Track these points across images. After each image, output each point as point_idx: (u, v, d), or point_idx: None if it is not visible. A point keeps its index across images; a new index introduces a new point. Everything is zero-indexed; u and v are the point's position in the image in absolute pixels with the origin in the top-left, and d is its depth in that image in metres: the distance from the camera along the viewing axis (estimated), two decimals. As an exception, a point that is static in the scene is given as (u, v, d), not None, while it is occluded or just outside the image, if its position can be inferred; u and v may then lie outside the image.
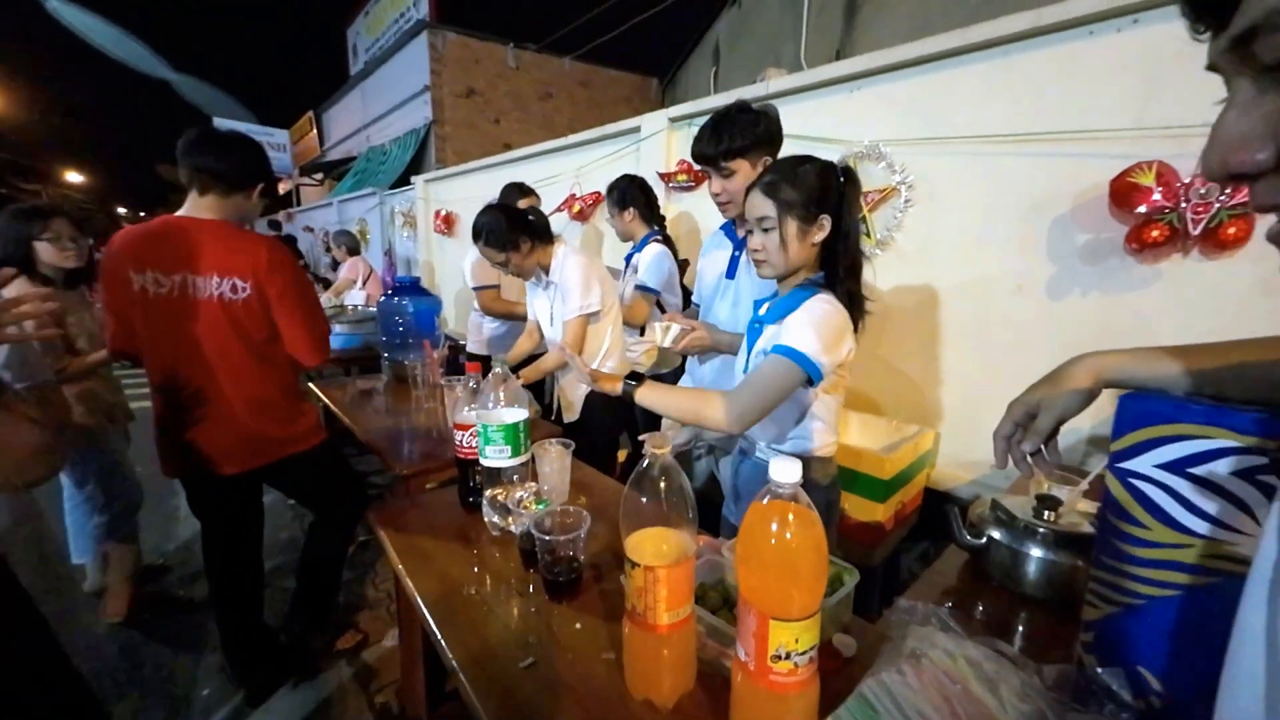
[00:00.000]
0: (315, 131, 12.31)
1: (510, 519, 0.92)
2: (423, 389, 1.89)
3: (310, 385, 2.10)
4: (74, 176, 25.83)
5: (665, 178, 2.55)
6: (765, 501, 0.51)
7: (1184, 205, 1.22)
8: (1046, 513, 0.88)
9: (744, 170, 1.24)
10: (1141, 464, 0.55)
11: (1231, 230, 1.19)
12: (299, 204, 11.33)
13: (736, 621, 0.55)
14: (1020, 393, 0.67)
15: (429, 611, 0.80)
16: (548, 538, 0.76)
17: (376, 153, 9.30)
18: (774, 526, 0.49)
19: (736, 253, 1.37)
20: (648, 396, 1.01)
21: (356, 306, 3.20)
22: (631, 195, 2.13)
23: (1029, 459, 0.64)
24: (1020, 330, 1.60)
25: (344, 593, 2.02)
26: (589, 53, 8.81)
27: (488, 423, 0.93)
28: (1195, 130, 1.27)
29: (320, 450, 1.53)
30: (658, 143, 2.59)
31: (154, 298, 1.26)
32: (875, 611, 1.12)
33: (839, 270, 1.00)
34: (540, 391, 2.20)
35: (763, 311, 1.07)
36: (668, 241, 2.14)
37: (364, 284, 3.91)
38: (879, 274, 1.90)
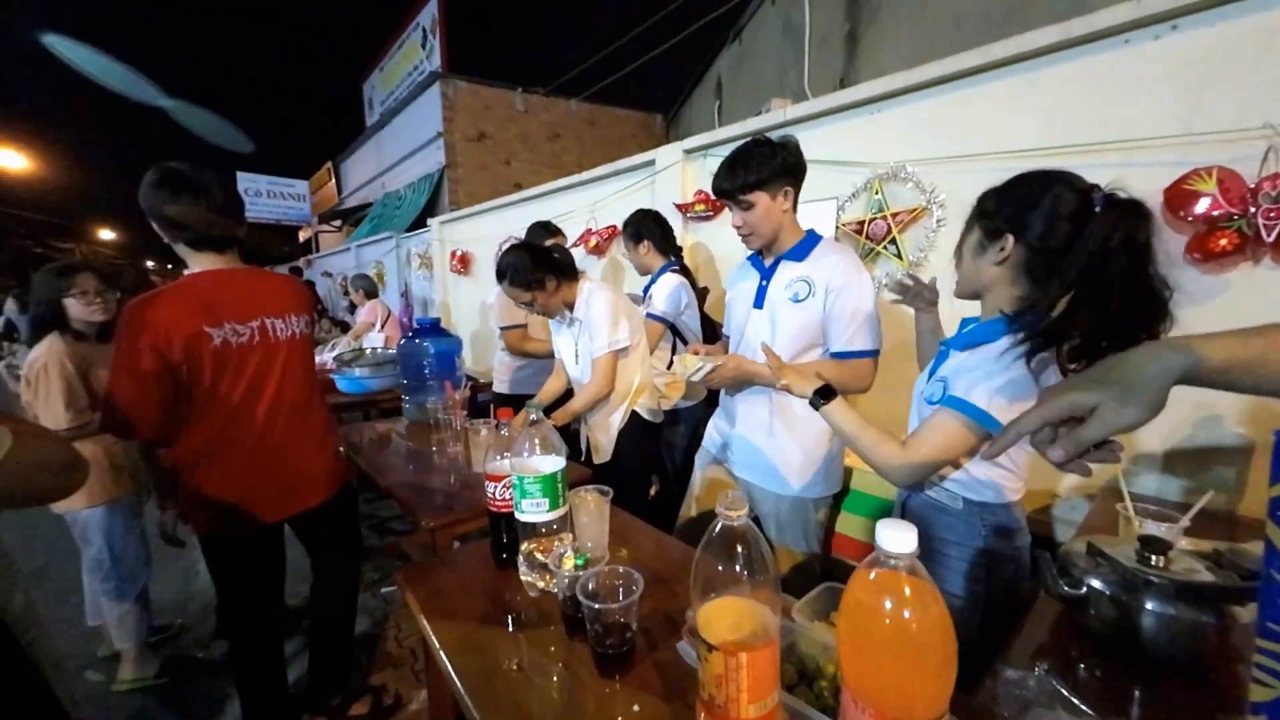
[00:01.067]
0: (334, 181, 12.75)
1: (550, 578, 0.84)
2: (445, 431, 1.83)
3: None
4: (106, 233, 26.98)
5: (682, 209, 2.53)
6: (873, 575, 0.43)
7: (1253, 210, 1.15)
8: (1154, 558, 0.77)
9: (763, 202, 1.23)
10: (1314, 511, 0.46)
11: (1309, 235, 1.10)
12: (318, 250, 11.65)
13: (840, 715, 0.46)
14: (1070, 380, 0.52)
15: (464, 690, 0.72)
16: (597, 606, 0.68)
17: (392, 198, 9.57)
18: (888, 606, 0.41)
19: (764, 283, 1.32)
20: (834, 413, 0.96)
21: (375, 349, 3.19)
22: (646, 228, 2.12)
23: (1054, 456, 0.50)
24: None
25: (361, 649, 1.92)
26: (595, 94, 9.08)
27: (523, 474, 0.86)
28: (1251, 133, 1.20)
29: (347, 493, 1.50)
30: (673, 175, 2.58)
31: (236, 347, 1.25)
32: (965, 677, 0.99)
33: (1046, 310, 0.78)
34: (565, 432, 2.13)
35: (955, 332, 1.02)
36: (685, 271, 2.12)
37: (382, 326, 3.93)
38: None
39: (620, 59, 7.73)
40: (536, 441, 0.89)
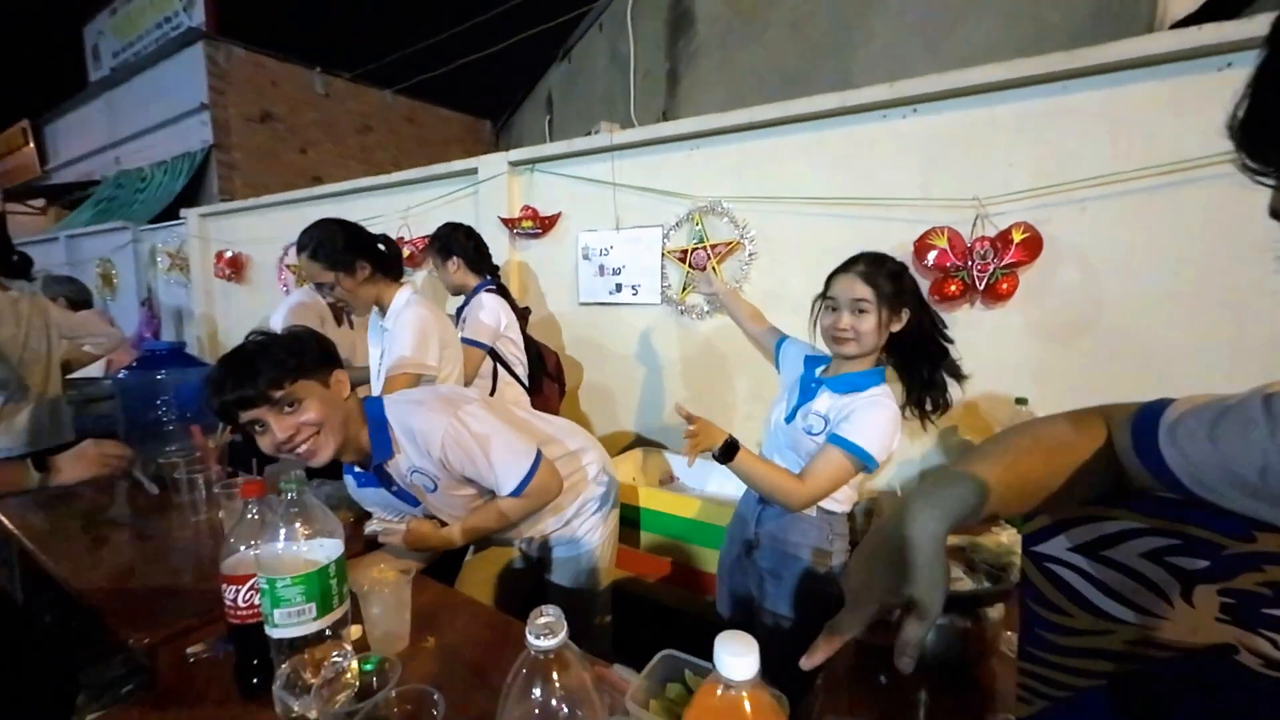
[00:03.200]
0: (31, 145, 9.52)
1: (311, 710, 0.63)
2: (187, 495, 1.39)
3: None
4: None
5: (509, 223, 2.38)
6: (717, 696, 0.36)
7: (970, 263, 1.44)
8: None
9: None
10: (1054, 547, 0.53)
11: (1004, 285, 1.42)
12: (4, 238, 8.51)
13: None
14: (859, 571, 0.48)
15: None
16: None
17: (131, 178, 7.48)
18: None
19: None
20: (743, 463, 1.02)
21: (88, 379, 2.36)
22: (456, 243, 1.89)
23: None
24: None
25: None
26: (415, 90, 8.33)
27: (274, 576, 0.64)
28: (964, 203, 1.52)
29: None
30: (498, 186, 2.42)
31: None
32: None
33: (919, 359, 1.09)
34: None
35: (822, 373, 1.15)
36: (503, 292, 1.93)
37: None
38: (732, 323, 1.96)
39: (445, 54, 7.22)
40: (298, 524, 0.67)
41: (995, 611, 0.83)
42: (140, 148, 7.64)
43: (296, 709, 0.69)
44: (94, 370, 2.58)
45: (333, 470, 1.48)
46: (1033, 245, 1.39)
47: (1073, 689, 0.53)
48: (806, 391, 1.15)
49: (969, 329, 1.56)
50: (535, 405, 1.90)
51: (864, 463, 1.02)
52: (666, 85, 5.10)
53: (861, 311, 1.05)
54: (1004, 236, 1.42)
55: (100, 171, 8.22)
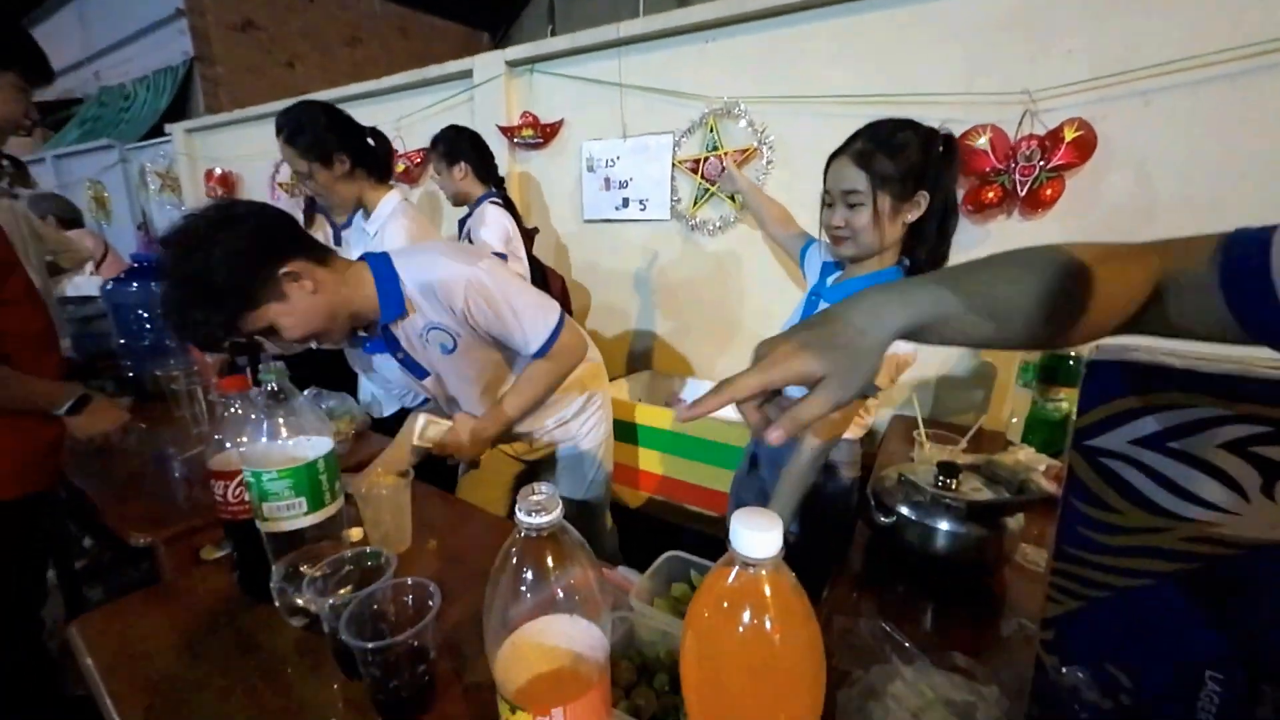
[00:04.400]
0: (8, 61, 9.01)
1: (313, 603, 0.62)
2: (189, 409, 1.37)
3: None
4: None
5: (508, 132, 2.21)
6: (731, 579, 0.31)
7: (1013, 166, 1.31)
8: (949, 481, 0.84)
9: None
10: (1113, 440, 0.47)
11: (1048, 191, 1.29)
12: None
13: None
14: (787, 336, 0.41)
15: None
16: (369, 645, 0.49)
17: (114, 95, 7.11)
18: (745, 619, 0.31)
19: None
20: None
21: (83, 298, 2.31)
22: (462, 149, 1.77)
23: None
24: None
25: None
26: (406, -4, 7.67)
27: (260, 468, 0.60)
28: (1012, 98, 1.36)
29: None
30: (494, 90, 2.22)
31: None
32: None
33: (924, 255, 0.92)
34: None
35: (831, 282, 1.01)
36: (509, 205, 1.82)
37: (97, 267, 2.88)
38: (744, 238, 1.85)
39: (433, -47, 6.58)
40: (280, 419, 0.63)
41: (1014, 523, 0.79)
42: (118, 61, 7.21)
43: (298, 603, 0.68)
44: (90, 288, 2.53)
45: (334, 382, 1.45)
46: (1085, 145, 1.25)
47: (1113, 589, 0.49)
48: (810, 306, 1.03)
49: (1003, 242, 1.45)
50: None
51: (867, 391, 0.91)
52: (680, -16, 4.63)
53: (853, 205, 0.87)
54: (1054, 135, 1.27)
55: (80, 89, 7.81)
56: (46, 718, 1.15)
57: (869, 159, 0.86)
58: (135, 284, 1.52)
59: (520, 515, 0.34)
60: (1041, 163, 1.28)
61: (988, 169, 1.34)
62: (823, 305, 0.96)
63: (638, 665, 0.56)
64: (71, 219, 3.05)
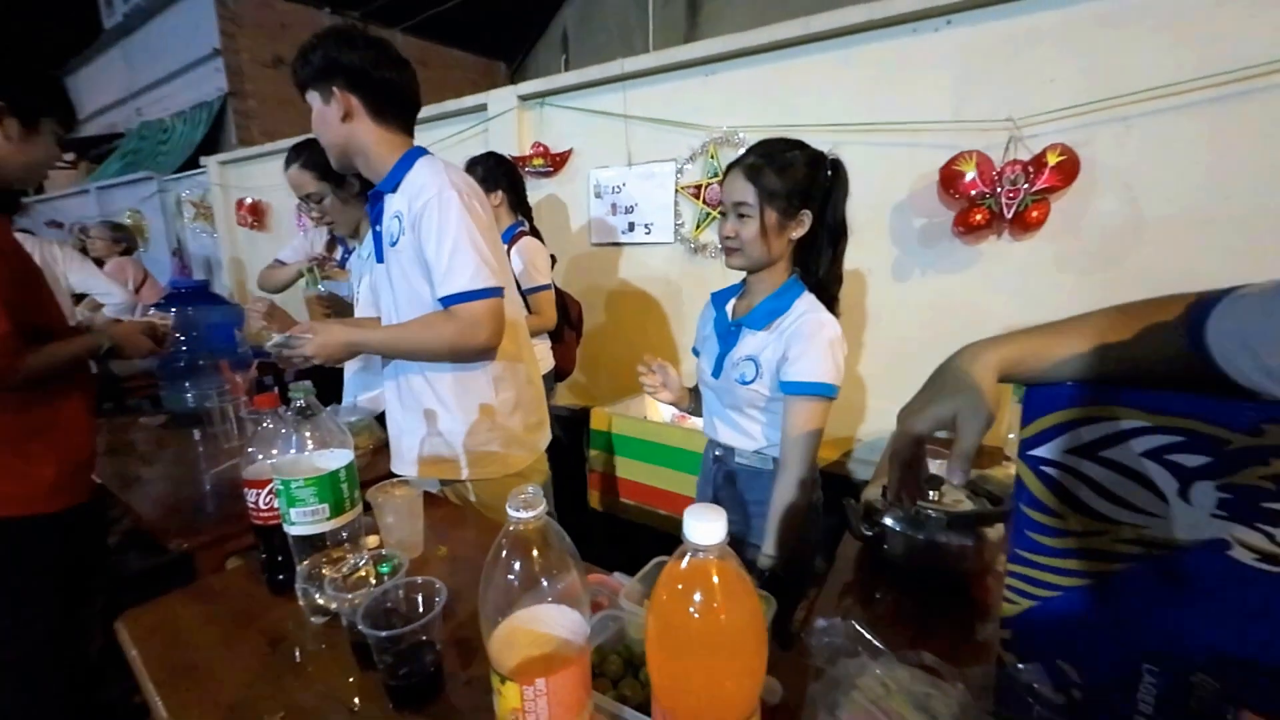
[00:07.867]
0: (58, 99, 9.59)
1: (333, 600, 0.68)
2: (220, 426, 1.47)
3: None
4: None
5: (520, 162, 2.33)
6: (684, 564, 0.37)
7: (999, 190, 1.36)
8: (932, 493, 0.88)
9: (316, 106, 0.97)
10: (1051, 450, 0.52)
11: (1034, 213, 1.34)
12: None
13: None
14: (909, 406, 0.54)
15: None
16: (383, 634, 0.55)
17: (154, 129, 7.52)
18: (696, 599, 0.36)
19: (376, 227, 1.06)
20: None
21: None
22: (497, 176, 1.76)
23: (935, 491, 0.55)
24: (878, 311, 1.67)
25: None
26: (427, 31, 8.01)
27: (289, 477, 0.68)
28: (998, 124, 1.41)
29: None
30: (507, 123, 2.35)
31: None
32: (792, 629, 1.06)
33: (818, 272, 0.96)
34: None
35: (735, 314, 1.02)
36: (536, 234, 1.83)
37: (137, 291, 3.04)
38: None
39: (454, -9, 6.90)
40: (307, 433, 0.70)
41: (994, 532, 0.83)
42: (158, 98, 7.64)
43: (319, 601, 0.74)
44: (117, 306, 2.65)
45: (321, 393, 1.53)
46: (1068, 169, 1.30)
47: (1060, 589, 0.53)
48: (726, 338, 1.01)
49: (994, 262, 1.50)
50: (555, 354, 1.91)
51: (830, 396, 0.92)
52: (686, 14, 4.81)
53: (742, 216, 0.90)
54: (1038, 160, 1.32)
55: (123, 124, 8.27)
56: None
57: (758, 173, 0.89)
58: (173, 308, 1.63)
59: (509, 510, 0.41)
60: (1026, 186, 1.33)
61: (974, 193, 1.39)
62: (745, 333, 0.97)
63: (625, 660, 0.61)
64: (126, 243, 3.24)
